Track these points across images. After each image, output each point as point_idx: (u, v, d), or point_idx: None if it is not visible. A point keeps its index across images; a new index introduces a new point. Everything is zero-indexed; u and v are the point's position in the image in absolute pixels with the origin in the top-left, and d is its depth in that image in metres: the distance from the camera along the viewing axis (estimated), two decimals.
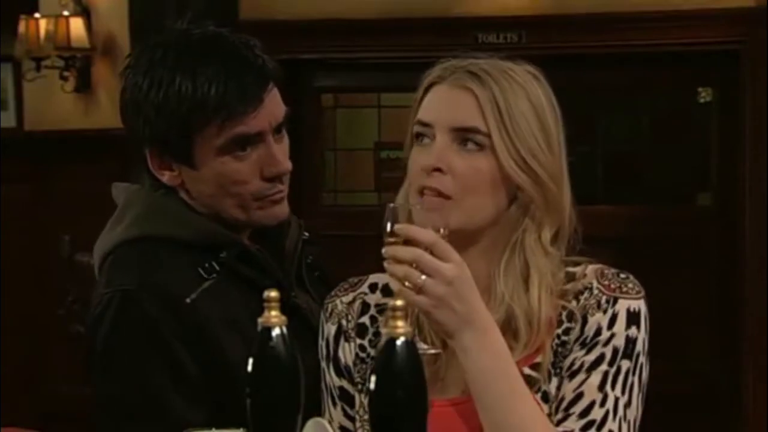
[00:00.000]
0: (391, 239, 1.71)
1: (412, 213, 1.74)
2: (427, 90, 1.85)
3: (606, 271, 1.84)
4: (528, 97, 1.82)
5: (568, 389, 1.77)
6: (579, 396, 1.76)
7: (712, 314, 5.89)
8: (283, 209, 2.08)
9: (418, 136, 1.83)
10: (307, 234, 2.19)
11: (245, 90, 1.99)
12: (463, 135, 1.80)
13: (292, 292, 2.07)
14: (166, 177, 2.05)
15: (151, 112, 2.00)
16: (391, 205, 1.76)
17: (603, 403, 1.76)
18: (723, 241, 5.88)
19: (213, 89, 1.97)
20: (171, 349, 1.95)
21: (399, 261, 1.69)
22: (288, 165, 2.06)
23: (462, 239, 1.78)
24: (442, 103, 1.82)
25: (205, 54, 2.01)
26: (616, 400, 1.76)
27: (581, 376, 1.77)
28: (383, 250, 1.72)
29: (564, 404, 1.77)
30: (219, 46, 2.03)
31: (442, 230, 1.72)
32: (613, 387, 1.76)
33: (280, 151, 2.06)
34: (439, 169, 1.78)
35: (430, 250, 1.69)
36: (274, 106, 2.05)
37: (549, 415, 1.77)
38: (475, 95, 1.80)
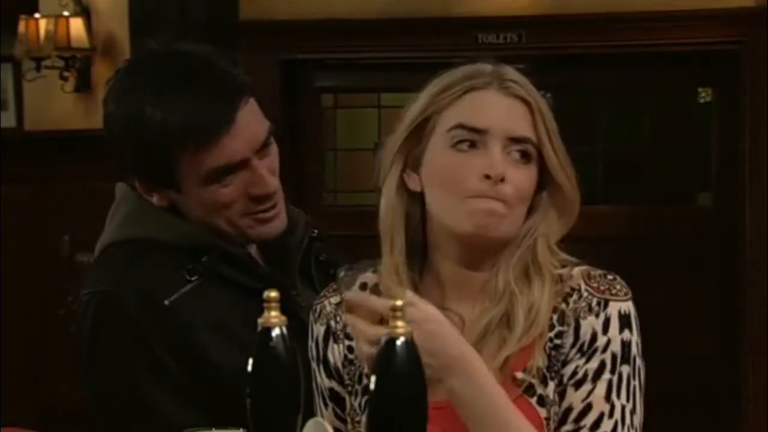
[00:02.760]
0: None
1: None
2: (463, 93, 1.81)
3: (593, 273, 1.84)
4: (546, 102, 1.84)
5: (576, 399, 1.78)
6: (588, 407, 1.77)
7: (712, 314, 5.89)
8: (274, 227, 2.06)
9: (463, 141, 1.80)
10: (316, 231, 2.19)
11: (213, 111, 1.94)
12: (516, 145, 1.80)
13: (293, 291, 2.07)
14: (155, 199, 2.04)
15: (129, 143, 2.00)
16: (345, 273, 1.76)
17: (611, 414, 1.77)
18: (723, 241, 5.88)
19: (180, 116, 1.94)
20: (150, 350, 1.95)
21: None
22: (275, 184, 2.03)
23: (492, 249, 1.81)
24: (496, 110, 1.80)
25: (173, 78, 1.97)
26: (623, 408, 1.78)
27: (587, 386, 1.78)
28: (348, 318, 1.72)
29: (573, 415, 1.78)
30: (186, 68, 1.99)
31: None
32: (618, 395, 1.78)
33: (267, 169, 2.02)
34: (503, 179, 1.78)
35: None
36: (252, 125, 2.00)
37: (547, 419, 1.78)
38: (528, 105, 1.81)
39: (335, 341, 1.90)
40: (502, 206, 1.78)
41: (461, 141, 1.80)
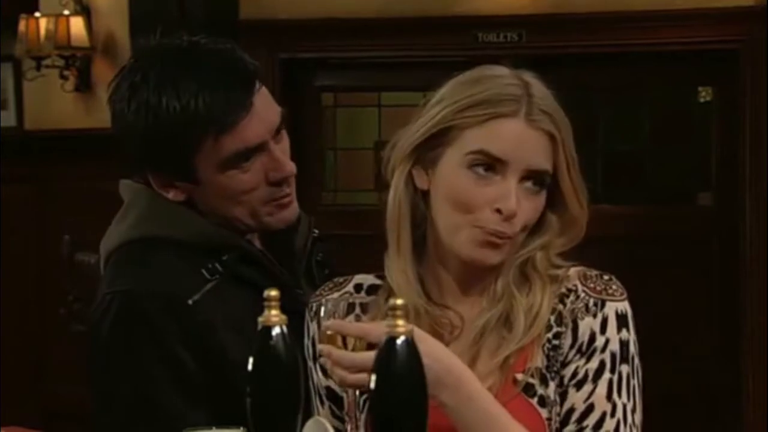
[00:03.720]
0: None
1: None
2: (486, 118, 1.80)
3: (589, 273, 1.86)
4: (569, 126, 1.84)
5: (578, 400, 1.79)
6: (590, 408, 1.79)
7: (712, 314, 5.89)
8: (291, 212, 2.08)
9: (479, 165, 1.80)
10: (317, 231, 2.19)
11: (231, 97, 1.96)
12: (533, 176, 1.81)
13: (300, 291, 2.07)
14: (171, 195, 2.04)
15: (144, 138, 1.98)
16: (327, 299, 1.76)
17: (613, 413, 1.78)
18: (723, 241, 5.88)
19: (200, 103, 1.94)
20: (170, 350, 1.95)
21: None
22: (292, 166, 2.05)
23: (490, 268, 1.83)
24: (520, 143, 1.80)
25: (185, 68, 1.98)
26: (624, 407, 1.79)
27: (588, 387, 1.79)
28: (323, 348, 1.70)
29: (575, 416, 1.79)
30: (197, 57, 2.00)
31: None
32: (619, 394, 1.79)
33: (283, 153, 2.05)
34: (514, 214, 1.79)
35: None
36: (266, 109, 2.02)
37: (548, 419, 1.79)
38: (552, 138, 1.81)
39: None
40: (505, 242, 1.80)
41: (478, 164, 1.80)
